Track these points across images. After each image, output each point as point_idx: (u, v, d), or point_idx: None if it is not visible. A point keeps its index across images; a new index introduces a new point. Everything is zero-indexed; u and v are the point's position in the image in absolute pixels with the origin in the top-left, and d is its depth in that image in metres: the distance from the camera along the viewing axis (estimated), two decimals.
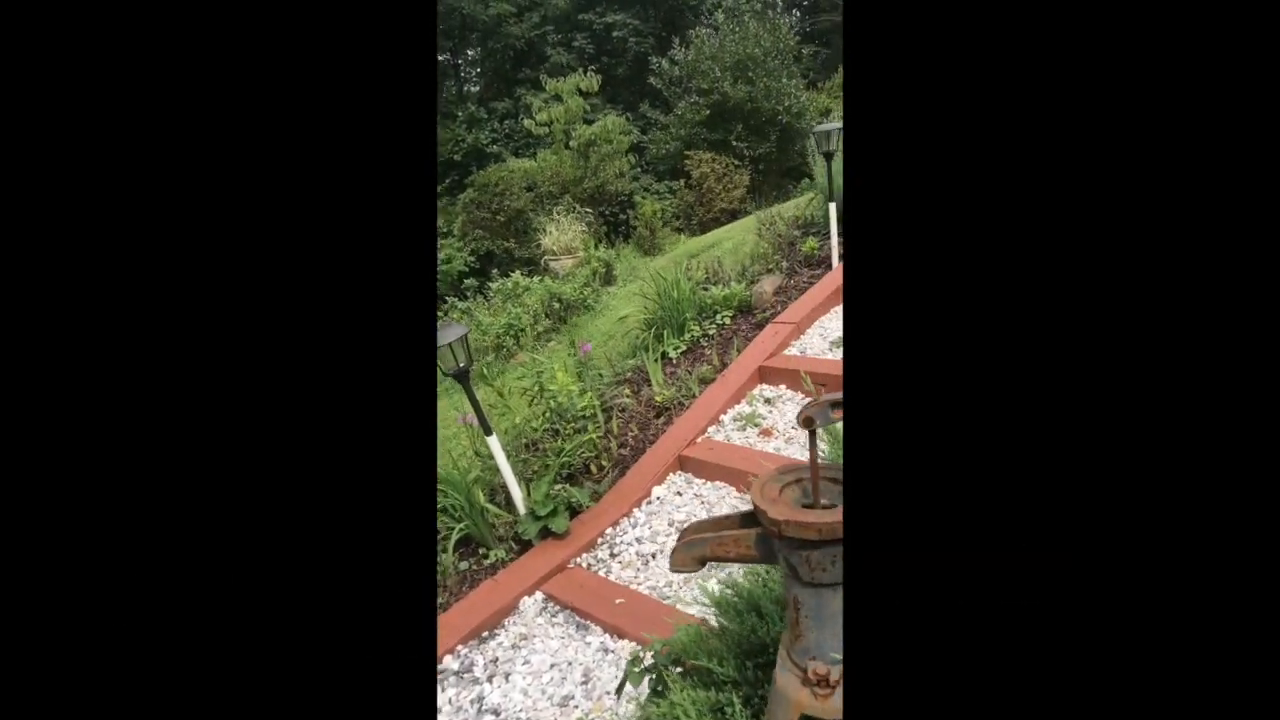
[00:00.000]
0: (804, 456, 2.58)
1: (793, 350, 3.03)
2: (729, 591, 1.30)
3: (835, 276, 3.42)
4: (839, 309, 3.30)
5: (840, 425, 1.74)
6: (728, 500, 2.40)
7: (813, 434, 0.92)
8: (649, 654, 1.38)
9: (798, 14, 16.68)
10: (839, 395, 0.87)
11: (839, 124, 3.62)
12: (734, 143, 10.35)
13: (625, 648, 1.92)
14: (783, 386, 2.86)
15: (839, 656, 0.85)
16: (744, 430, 2.66)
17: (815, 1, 18.54)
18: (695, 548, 0.95)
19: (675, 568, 0.99)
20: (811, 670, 0.88)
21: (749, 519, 0.99)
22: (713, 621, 1.93)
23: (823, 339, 3.06)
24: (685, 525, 1.00)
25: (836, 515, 0.81)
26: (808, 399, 2.78)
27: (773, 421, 2.68)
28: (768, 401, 2.81)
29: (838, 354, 2.91)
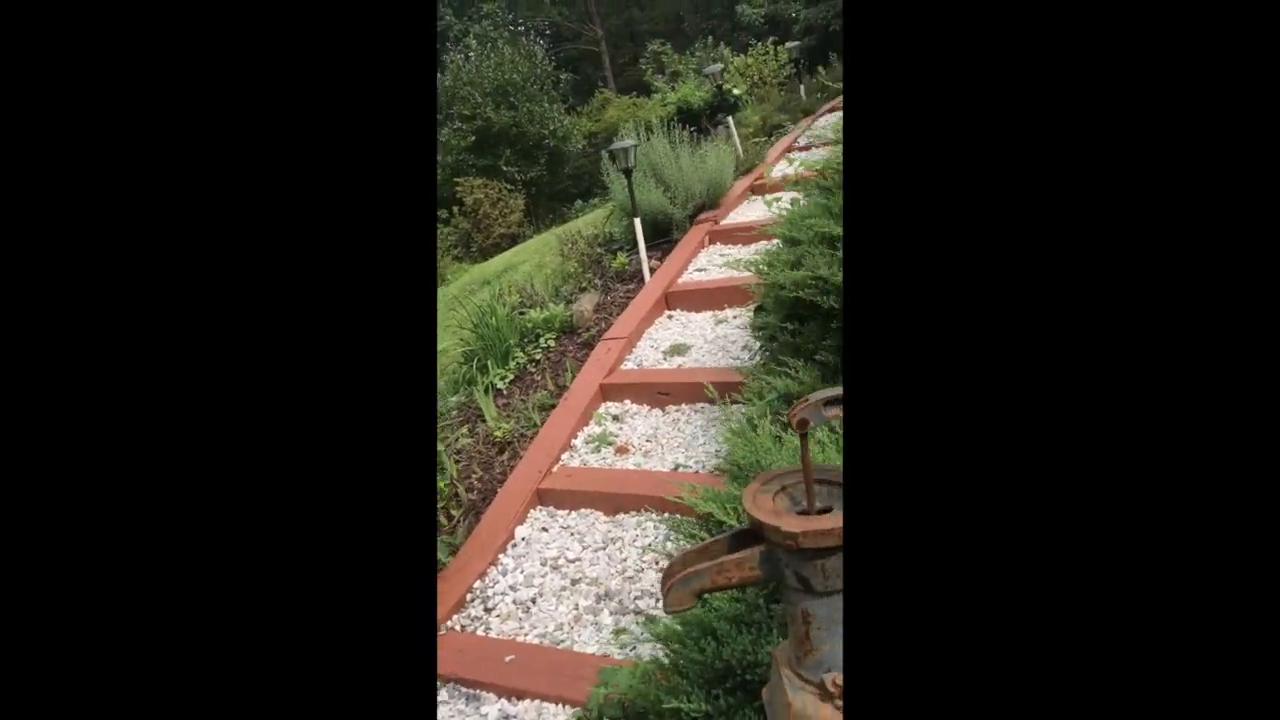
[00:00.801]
0: (664, 468, 2.57)
1: (629, 364, 3.02)
2: (671, 621, 1.22)
3: (652, 290, 3.50)
4: (663, 320, 3.38)
5: (733, 422, 1.75)
6: (598, 527, 2.31)
7: (804, 436, 0.89)
8: (594, 709, 1.25)
9: (542, 43, 17.07)
10: (829, 392, 0.85)
11: (633, 141, 3.72)
12: (504, 168, 10.26)
13: (530, 709, 1.74)
14: (627, 401, 2.83)
15: None
16: (599, 451, 2.59)
17: (558, 31, 19.25)
18: (693, 581, 0.87)
19: (673, 608, 0.90)
20: (831, 681, 0.85)
21: (740, 539, 0.93)
22: (615, 655, 1.83)
23: (655, 349, 3.09)
24: (669, 564, 0.93)
25: (840, 519, 0.79)
26: (654, 410, 2.78)
27: (626, 438, 2.64)
28: (616, 418, 2.76)
29: (674, 362, 2.96)
